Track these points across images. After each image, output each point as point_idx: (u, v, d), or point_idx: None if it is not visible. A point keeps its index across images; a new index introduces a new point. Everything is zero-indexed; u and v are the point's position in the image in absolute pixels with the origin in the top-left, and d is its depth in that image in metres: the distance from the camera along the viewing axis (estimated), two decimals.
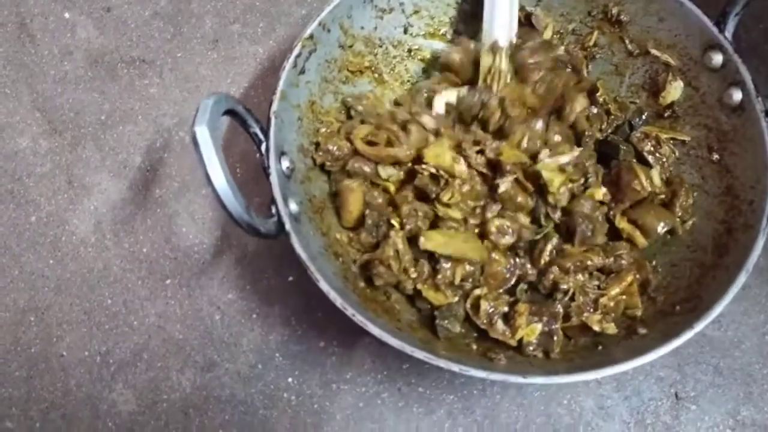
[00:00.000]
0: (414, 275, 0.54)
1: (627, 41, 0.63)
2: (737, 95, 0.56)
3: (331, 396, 0.59)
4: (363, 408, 0.59)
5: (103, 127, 0.69)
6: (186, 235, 0.65)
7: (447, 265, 0.54)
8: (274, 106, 0.53)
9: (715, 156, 0.59)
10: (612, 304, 0.55)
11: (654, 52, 0.61)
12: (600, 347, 0.54)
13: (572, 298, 0.55)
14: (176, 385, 0.60)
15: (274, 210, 0.50)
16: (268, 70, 0.72)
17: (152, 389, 0.60)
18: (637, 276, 0.57)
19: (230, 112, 0.49)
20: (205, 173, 0.43)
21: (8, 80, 0.71)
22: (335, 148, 0.58)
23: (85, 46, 0.72)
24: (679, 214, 0.58)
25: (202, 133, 0.42)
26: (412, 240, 0.55)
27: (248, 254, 0.64)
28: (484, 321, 0.54)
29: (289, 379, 0.60)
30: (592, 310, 0.55)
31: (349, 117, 0.62)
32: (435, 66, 0.65)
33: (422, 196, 0.57)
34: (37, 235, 0.65)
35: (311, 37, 0.56)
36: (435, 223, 0.56)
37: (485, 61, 0.61)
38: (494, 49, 0.61)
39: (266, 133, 0.52)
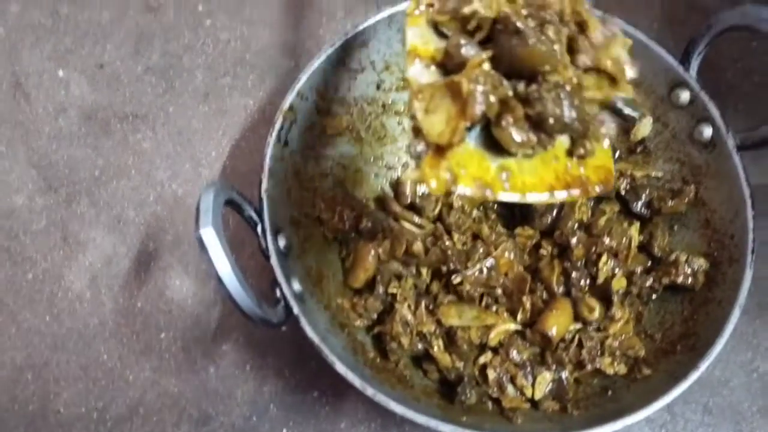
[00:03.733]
0: (432, 348, 0.56)
1: None
2: (707, 131, 0.58)
3: None
4: None
5: (97, 182, 0.70)
6: (180, 288, 0.66)
7: (462, 334, 0.55)
8: (264, 185, 0.54)
9: (691, 188, 0.60)
10: (617, 344, 0.56)
11: None
12: (610, 392, 0.56)
13: (580, 345, 0.56)
14: None
15: (278, 293, 0.50)
16: (259, 121, 0.73)
17: None
18: (629, 311, 0.58)
19: (227, 202, 0.49)
20: (216, 275, 0.43)
21: (3, 138, 0.73)
22: (346, 216, 0.60)
23: (79, 103, 0.74)
24: (659, 254, 0.59)
25: (209, 236, 0.43)
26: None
27: None
28: (495, 389, 0.55)
29: (284, 430, 0.61)
30: (599, 354, 0.56)
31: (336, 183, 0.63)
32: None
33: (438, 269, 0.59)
34: (33, 291, 0.66)
35: (291, 108, 0.57)
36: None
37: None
38: None
39: (260, 215, 0.53)
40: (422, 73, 0.41)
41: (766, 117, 0.56)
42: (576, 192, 0.42)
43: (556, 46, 0.39)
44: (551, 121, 0.39)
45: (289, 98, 0.58)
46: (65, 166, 0.71)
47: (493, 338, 0.55)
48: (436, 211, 0.63)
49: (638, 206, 0.60)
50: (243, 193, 0.53)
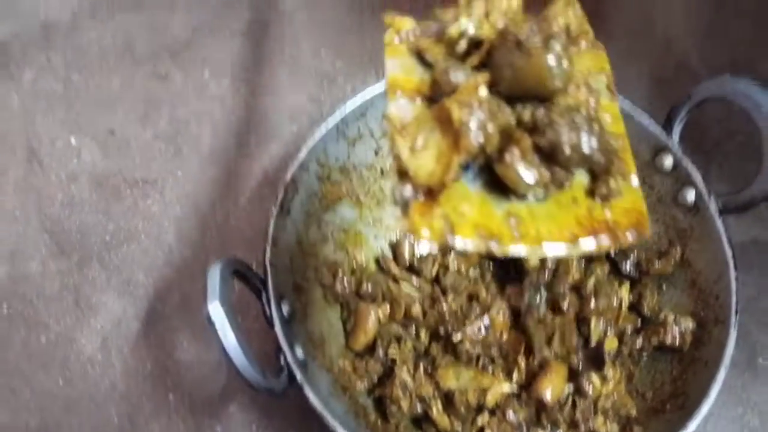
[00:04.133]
0: (431, 410, 0.57)
1: None
2: (691, 195, 0.60)
3: None
4: None
5: (108, 247, 0.73)
6: (187, 350, 0.68)
7: (460, 396, 0.57)
8: (268, 255, 0.57)
9: (677, 250, 0.62)
10: (609, 403, 0.58)
11: None
12: None
13: (574, 406, 0.58)
14: None
15: (282, 360, 0.53)
16: (263, 184, 0.76)
17: None
18: (621, 371, 0.60)
19: (233, 273, 0.52)
20: (222, 349, 0.46)
21: (18, 204, 0.76)
22: (346, 279, 0.63)
23: (90, 170, 0.77)
24: (648, 314, 0.62)
25: (216, 311, 0.46)
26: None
27: None
28: None
29: None
30: (593, 413, 0.58)
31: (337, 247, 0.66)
32: None
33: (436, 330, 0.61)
34: (47, 356, 0.68)
35: (293, 179, 0.60)
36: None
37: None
38: None
39: (264, 283, 0.55)
40: (405, 108, 0.35)
41: (749, 176, 0.59)
42: (606, 241, 0.34)
43: (565, 62, 0.33)
44: (567, 151, 0.32)
45: (291, 170, 0.61)
46: (77, 231, 0.74)
47: (490, 400, 0.57)
48: (434, 272, 0.66)
49: (627, 267, 0.63)
50: (247, 262, 0.56)
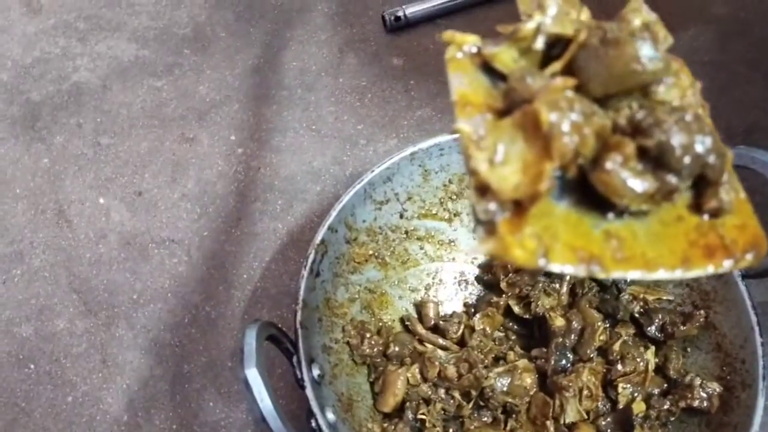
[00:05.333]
0: None
1: None
2: None
3: None
4: None
5: (135, 305, 0.74)
6: (213, 410, 0.68)
7: None
8: (299, 317, 0.58)
9: (701, 313, 0.63)
10: None
11: None
12: None
13: None
14: None
15: (314, 424, 0.53)
16: (287, 245, 0.78)
17: None
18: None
19: (267, 338, 0.53)
20: (260, 414, 0.46)
21: (47, 264, 0.77)
22: (373, 342, 0.63)
23: (119, 229, 0.79)
24: (675, 376, 0.62)
25: (254, 376, 0.47)
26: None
27: None
28: None
29: None
30: None
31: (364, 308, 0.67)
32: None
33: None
34: (73, 415, 0.68)
35: (322, 241, 0.62)
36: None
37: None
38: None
39: (295, 346, 0.56)
40: (477, 124, 0.31)
41: None
42: (726, 262, 0.30)
43: (659, 46, 0.29)
44: (680, 152, 0.28)
45: (321, 232, 0.62)
46: (105, 290, 0.75)
47: None
48: (459, 332, 0.67)
49: (652, 330, 0.63)
50: (280, 326, 0.57)
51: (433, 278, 0.72)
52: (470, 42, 0.33)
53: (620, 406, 0.60)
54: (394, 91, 0.89)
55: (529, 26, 0.32)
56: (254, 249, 0.78)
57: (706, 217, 0.31)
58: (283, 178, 0.82)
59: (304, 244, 0.62)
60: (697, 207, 0.31)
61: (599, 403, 0.60)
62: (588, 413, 0.60)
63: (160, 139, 0.85)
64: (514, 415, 0.60)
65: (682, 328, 0.62)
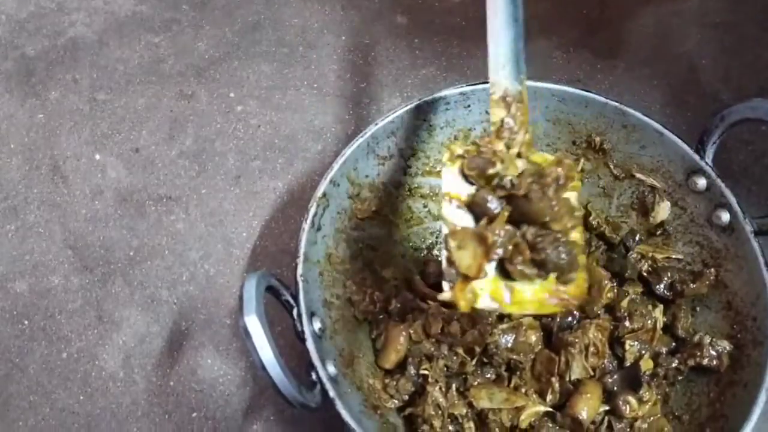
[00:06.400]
0: (464, 430, 0.57)
1: (611, 166, 0.66)
2: (725, 216, 0.60)
3: None
4: None
5: (131, 263, 0.72)
6: (211, 367, 0.67)
7: (493, 416, 0.56)
8: (300, 270, 0.56)
9: (711, 271, 0.61)
10: (645, 426, 0.57)
11: (638, 175, 0.65)
12: None
13: (610, 427, 0.57)
14: None
15: (314, 376, 0.52)
16: (288, 203, 0.76)
17: None
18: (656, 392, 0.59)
19: (267, 288, 0.51)
20: (260, 363, 0.45)
21: (41, 219, 0.75)
22: (375, 298, 0.63)
23: (115, 186, 0.77)
24: (683, 335, 0.61)
25: (253, 324, 0.45)
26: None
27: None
28: None
29: None
30: None
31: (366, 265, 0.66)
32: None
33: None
34: (68, 371, 0.67)
35: (324, 195, 0.60)
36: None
37: (496, 114, 0.53)
38: (505, 97, 0.53)
39: (296, 298, 0.55)
40: (455, 213, 0.51)
41: None
42: (561, 306, 0.51)
43: (554, 202, 0.49)
44: (550, 265, 0.49)
45: (323, 185, 0.61)
46: (101, 246, 0.73)
47: (524, 420, 0.56)
48: None
49: (661, 288, 0.62)
50: (280, 278, 0.55)
51: (437, 237, 0.70)
52: (459, 151, 0.52)
53: (627, 364, 0.59)
54: (397, 50, 0.87)
55: (491, 172, 0.51)
56: (254, 207, 0.76)
57: (560, 283, 0.50)
58: (284, 136, 0.80)
59: (305, 203, 0.60)
60: (557, 278, 0.50)
61: (606, 360, 0.59)
62: (594, 370, 0.59)
63: (157, 96, 0.83)
64: (518, 372, 0.59)
65: (691, 286, 0.61)
